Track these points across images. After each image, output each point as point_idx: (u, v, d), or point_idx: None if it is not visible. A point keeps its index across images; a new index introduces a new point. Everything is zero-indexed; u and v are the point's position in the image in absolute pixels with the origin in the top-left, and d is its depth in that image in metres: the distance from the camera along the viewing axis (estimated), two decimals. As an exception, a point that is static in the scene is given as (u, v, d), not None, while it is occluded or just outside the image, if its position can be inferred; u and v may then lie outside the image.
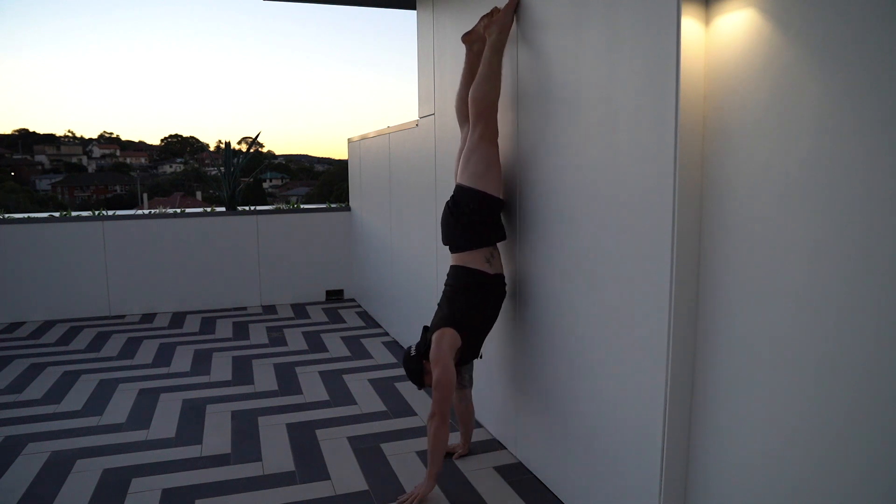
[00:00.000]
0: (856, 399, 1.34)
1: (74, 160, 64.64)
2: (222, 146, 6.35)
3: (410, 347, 2.60)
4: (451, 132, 3.31)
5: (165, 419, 3.23)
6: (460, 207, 2.53)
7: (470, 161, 2.52)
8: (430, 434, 2.38)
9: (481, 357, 2.70)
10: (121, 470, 2.69)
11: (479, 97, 2.50)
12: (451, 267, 2.63)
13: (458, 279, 2.56)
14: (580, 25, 2.10)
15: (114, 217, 5.39)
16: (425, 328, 2.63)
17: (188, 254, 5.56)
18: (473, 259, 2.53)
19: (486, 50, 2.52)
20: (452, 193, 2.61)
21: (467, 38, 2.69)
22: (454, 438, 2.88)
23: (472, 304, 2.52)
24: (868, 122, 1.29)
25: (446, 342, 2.44)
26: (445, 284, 2.64)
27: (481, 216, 2.52)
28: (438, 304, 2.63)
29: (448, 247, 2.66)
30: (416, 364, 2.53)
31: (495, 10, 2.57)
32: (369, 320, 5.26)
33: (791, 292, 1.48)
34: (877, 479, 1.31)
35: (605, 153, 2.00)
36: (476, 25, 2.65)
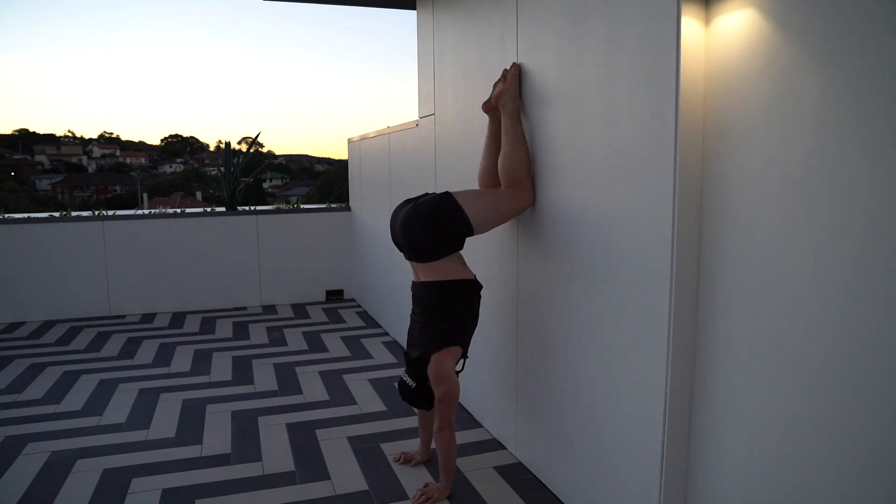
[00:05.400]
0: (856, 399, 1.34)
1: (74, 160, 64.67)
2: (222, 146, 6.35)
3: (404, 381, 2.52)
4: (450, 132, 3.31)
5: (165, 419, 3.23)
6: (441, 223, 2.37)
7: (491, 198, 2.45)
8: (444, 446, 2.39)
9: (468, 357, 2.67)
10: (121, 470, 2.69)
11: (514, 167, 2.42)
12: (425, 283, 2.47)
13: (444, 292, 2.44)
14: (580, 25, 2.10)
15: (114, 217, 5.39)
16: (406, 353, 2.55)
17: (188, 254, 5.56)
18: (452, 269, 2.45)
19: (505, 120, 2.46)
20: (433, 200, 2.42)
21: (487, 108, 2.58)
22: (414, 446, 2.86)
23: (467, 314, 2.49)
24: (868, 122, 1.29)
25: (450, 359, 2.41)
26: (424, 303, 2.48)
27: (452, 237, 2.42)
28: (420, 323, 2.49)
29: (413, 257, 2.46)
30: (420, 392, 2.47)
31: (506, 72, 2.52)
32: (369, 320, 5.26)
33: (791, 292, 1.48)
34: (877, 478, 1.31)
35: (605, 153, 2.00)
36: (492, 94, 2.56)
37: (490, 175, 2.59)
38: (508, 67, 2.53)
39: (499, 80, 2.56)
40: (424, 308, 2.49)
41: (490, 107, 2.57)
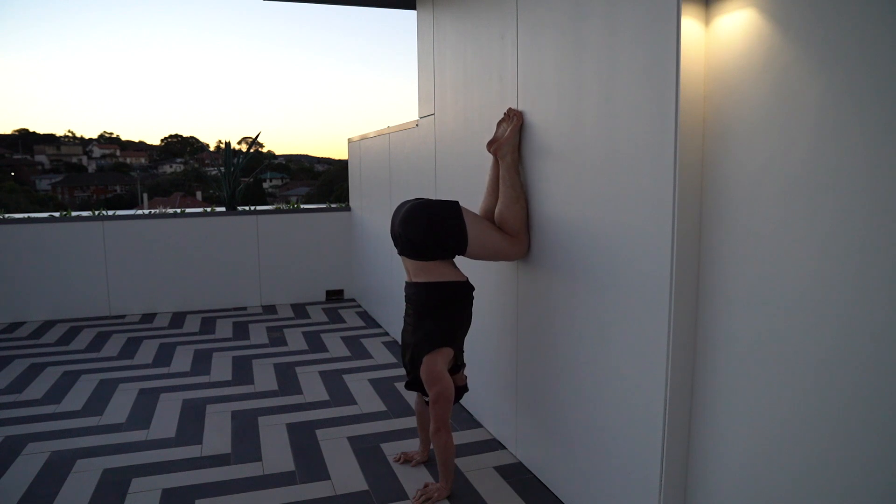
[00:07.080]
0: (857, 399, 1.34)
1: (74, 160, 64.63)
2: (222, 146, 6.35)
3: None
4: (451, 132, 3.31)
5: (165, 419, 3.23)
6: (441, 225, 2.41)
7: (491, 233, 2.47)
8: (441, 447, 2.40)
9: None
10: (121, 470, 2.69)
11: (511, 219, 2.47)
12: (418, 284, 2.48)
13: (437, 293, 2.46)
14: (580, 25, 2.10)
15: (114, 217, 5.39)
16: (408, 382, 2.59)
17: (188, 254, 5.56)
18: (445, 270, 2.47)
19: (503, 171, 2.49)
20: (441, 202, 2.48)
21: (489, 148, 2.58)
22: (414, 445, 2.87)
23: (459, 316, 2.50)
24: (869, 122, 1.29)
25: (442, 360, 2.43)
26: (416, 303, 2.49)
27: (446, 244, 2.45)
28: (413, 324, 2.50)
29: (406, 251, 2.49)
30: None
31: (510, 110, 2.53)
32: (369, 320, 5.26)
33: (791, 292, 1.48)
34: (876, 478, 1.31)
35: (605, 154, 2.00)
36: (497, 132, 2.58)
37: (492, 216, 2.61)
38: (515, 108, 2.54)
39: (502, 118, 2.57)
40: (417, 308, 2.51)
41: (494, 145, 2.56)
